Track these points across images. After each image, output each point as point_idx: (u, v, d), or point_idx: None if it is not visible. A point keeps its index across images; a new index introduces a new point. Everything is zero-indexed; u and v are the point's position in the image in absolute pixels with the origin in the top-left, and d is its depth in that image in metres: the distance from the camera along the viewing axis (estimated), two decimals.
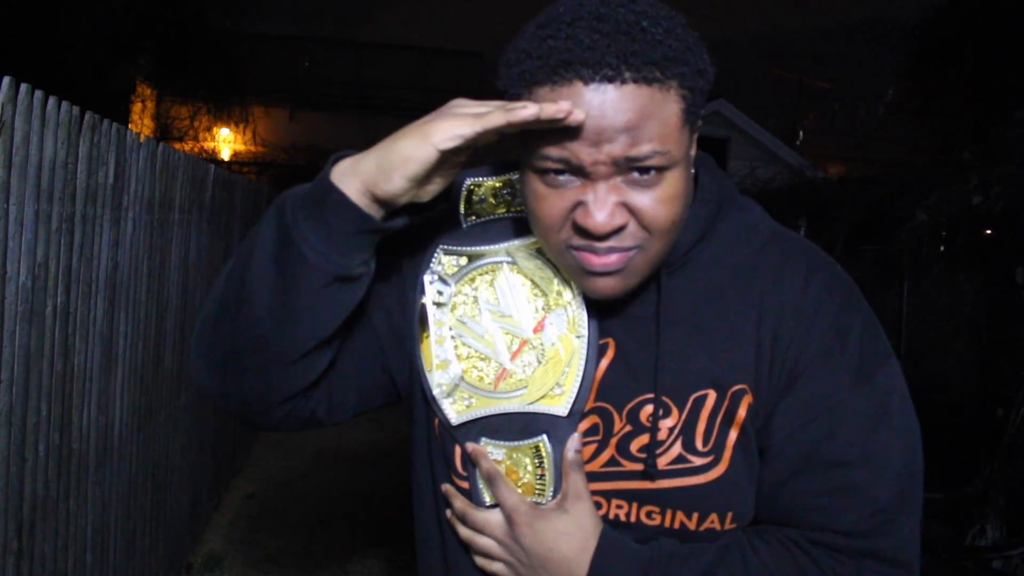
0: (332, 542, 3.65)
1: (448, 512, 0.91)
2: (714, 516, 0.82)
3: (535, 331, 0.86)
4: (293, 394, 0.87)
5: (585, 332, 0.85)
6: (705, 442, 0.82)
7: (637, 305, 0.85)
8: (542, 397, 0.85)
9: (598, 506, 0.84)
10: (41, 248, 1.68)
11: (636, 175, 0.75)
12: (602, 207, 0.75)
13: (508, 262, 0.88)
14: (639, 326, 0.85)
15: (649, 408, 0.82)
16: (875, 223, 4.80)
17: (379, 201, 0.78)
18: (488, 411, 0.86)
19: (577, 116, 0.71)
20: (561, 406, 0.84)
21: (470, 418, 0.86)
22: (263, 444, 5.00)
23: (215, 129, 14.03)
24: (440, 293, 0.88)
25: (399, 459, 4.82)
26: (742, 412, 0.82)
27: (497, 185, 0.92)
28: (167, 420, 2.77)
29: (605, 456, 0.84)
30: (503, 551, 0.85)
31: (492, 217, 0.91)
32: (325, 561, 3.46)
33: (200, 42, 10.81)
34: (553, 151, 0.74)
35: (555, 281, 0.87)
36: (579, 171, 0.75)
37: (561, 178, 0.76)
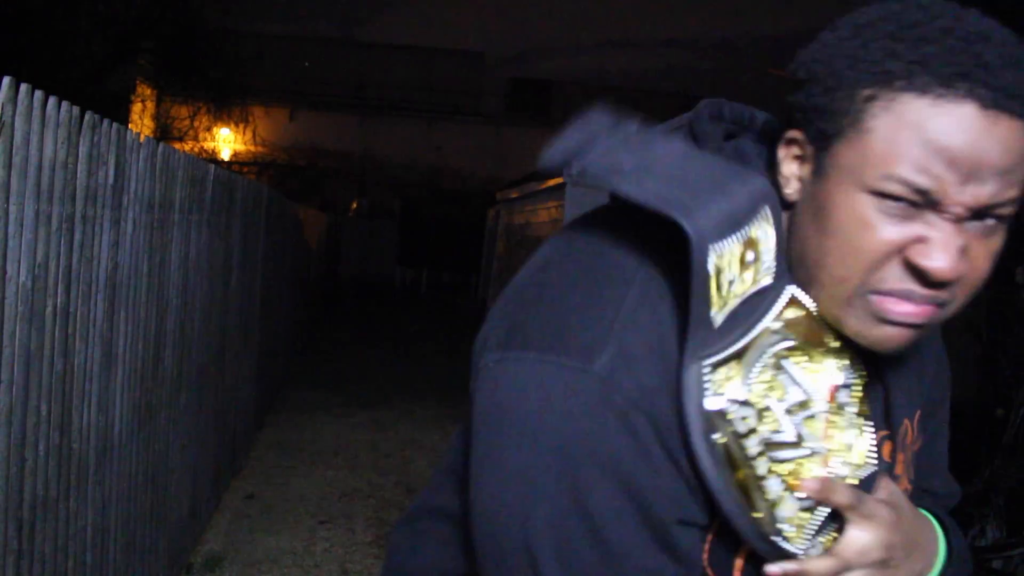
0: (332, 542, 3.65)
1: None
2: None
3: (830, 400, 0.72)
4: None
5: (864, 371, 0.75)
6: (913, 470, 0.84)
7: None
8: (860, 462, 0.75)
9: None
10: (41, 248, 1.68)
11: (979, 221, 0.64)
12: (950, 250, 0.63)
13: (777, 342, 0.70)
14: (865, 357, 0.75)
15: (888, 446, 0.79)
16: None
17: None
18: (822, 517, 0.71)
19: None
20: (870, 461, 0.75)
21: (811, 533, 0.71)
22: (263, 444, 5.00)
23: (215, 129, 14.05)
24: (745, 419, 0.68)
25: (399, 459, 4.82)
26: (920, 437, 0.84)
27: (739, 249, 0.67)
28: (167, 420, 2.77)
29: None
30: (876, 570, 0.72)
31: (740, 300, 0.68)
32: (325, 561, 3.46)
33: (200, 42, 10.83)
34: (913, 176, 0.62)
35: (824, 334, 0.72)
36: (931, 206, 0.63)
37: (896, 205, 0.63)
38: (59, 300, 1.79)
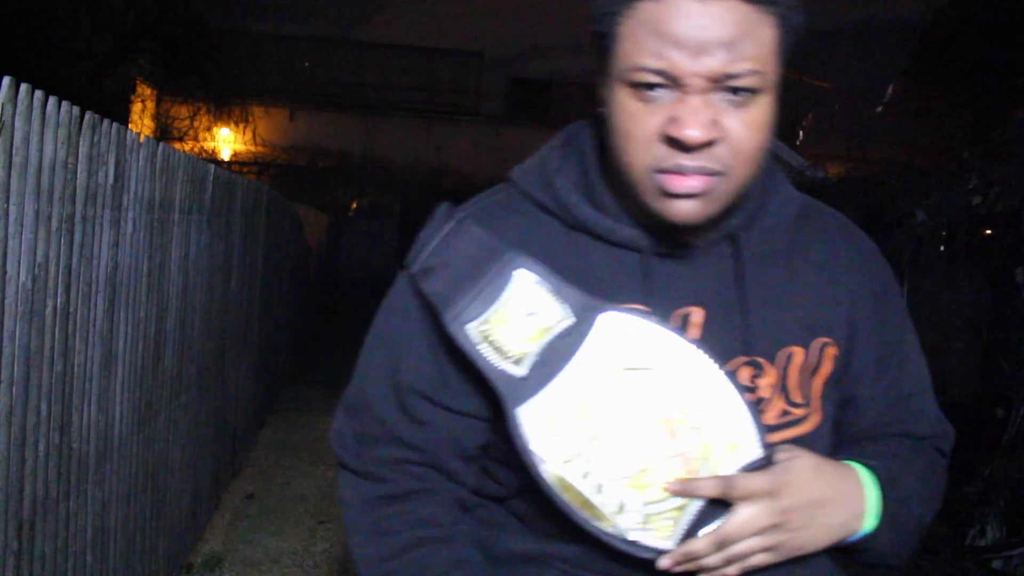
0: (332, 542, 3.65)
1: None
2: None
3: (679, 402, 0.79)
4: None
5: (714, 362, 0.79)
6: (801, 395, 0.86)
7: (715, 267, 0.86)
8: (737, 444, 0.78)
9: None
10: (41, 248, 1.68)
11: (729, 95, 0.75)
12: (696, 118, 0.74)
13: (600, 370, 0.78)
14: (721, 289, 0.85)
15: (748, 371, 0.84)
16: (875, 223, 4.80)
17: None
18: (696, 509, 0.78)
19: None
20: (752, 444, 0.79)
21: (681, 533, 0.78)
22: (263, 444, 5.00)
23: (215, 129, 14.02)
24: (562, 452, 0.78)
25: None
26: (827, 365, 0.87)
27: (504, 311, 0.82)
28: (167, 420, 2.77)
29: None
30: (769, 535, 0.79)
31: (544, 345, 0.80)
32: (325, 561, 3.46)
33: (200, 42, 10.82)
34: (651, 61, 0.74)
35: (653, 345, 0.78)
36: (675, 83, 0.75)
37: (653, 93, 0.76)
38: (59, 300, 1.79)
